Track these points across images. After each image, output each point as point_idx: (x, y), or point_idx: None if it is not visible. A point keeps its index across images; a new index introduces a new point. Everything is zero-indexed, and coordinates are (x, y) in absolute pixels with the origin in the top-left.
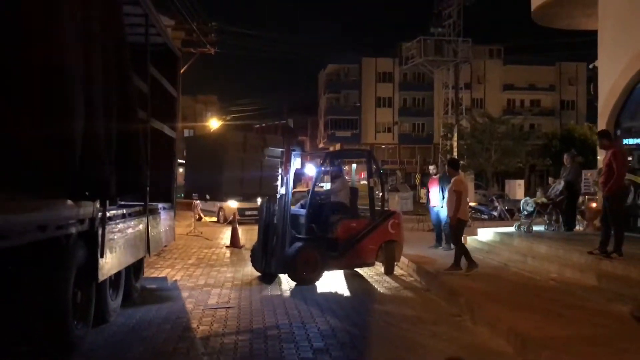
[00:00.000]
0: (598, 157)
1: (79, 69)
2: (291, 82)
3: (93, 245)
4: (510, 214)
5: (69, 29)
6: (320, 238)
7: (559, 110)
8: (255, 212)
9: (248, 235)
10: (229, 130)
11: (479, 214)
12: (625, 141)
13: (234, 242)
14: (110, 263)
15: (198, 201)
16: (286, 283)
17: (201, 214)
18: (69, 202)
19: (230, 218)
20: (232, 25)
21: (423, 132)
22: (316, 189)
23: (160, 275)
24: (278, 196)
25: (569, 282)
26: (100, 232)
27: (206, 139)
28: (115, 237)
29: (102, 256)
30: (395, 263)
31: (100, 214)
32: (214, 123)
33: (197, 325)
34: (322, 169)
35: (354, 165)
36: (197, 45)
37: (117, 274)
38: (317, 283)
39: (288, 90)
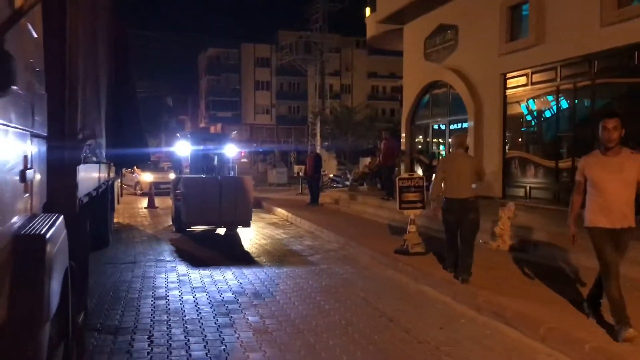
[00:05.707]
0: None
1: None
2: (171, 63)
3: (112, 191)
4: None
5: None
6: None
7: None
8: (168, 186)
9: (159, 201)
10: None
11: (335, 182)
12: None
13: (151, 204)
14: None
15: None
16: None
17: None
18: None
19: (146, 190)
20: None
21: (298, 114)
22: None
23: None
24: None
25: (369, 212)
26: (115, 183)
27: None
28: (113, 187)
29: (119, 196)
30: None
31: (115, 174)
32: None
33: (163, 237)
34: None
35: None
36: None
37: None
38: None
39: (168, 71)
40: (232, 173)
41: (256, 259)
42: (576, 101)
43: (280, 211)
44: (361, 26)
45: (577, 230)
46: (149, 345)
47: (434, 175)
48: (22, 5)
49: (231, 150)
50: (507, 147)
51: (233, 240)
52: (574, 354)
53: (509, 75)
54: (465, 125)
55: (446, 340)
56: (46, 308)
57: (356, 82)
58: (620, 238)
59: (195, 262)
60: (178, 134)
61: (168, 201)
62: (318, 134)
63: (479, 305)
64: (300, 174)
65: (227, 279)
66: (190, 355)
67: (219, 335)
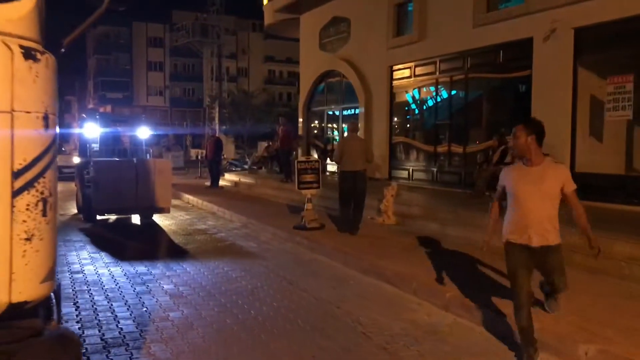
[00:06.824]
0: (299, 125)
1: None
2: None
3: None
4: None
5: None
6: None
7: None
8: (72, 170)
9: (60, 186)
10: None
11: (233, 166)
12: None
13: None
14: None
15: None
16: None
17: None
18: None
19: None
20: None
21: (193, 97)
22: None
23: None
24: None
25: (268, 194)
26: None
27: None
28: None
29: None
30: None
31: None
32: None
33: (67, 222)
34: None
35: None
36: None
37: None
38: None
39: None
40: (148, 156)
41: (163, 236)
42: (453, 92)
43: (181, 194)
44: (257, 9)
45: (491, 238)
46: (76, 309)
47: (333, 154)
48: None
49: (144, 132)
50: (393, 133)
51: (140, 224)
52: (437, 301)
53: (395, 67)
54: (357, 112)
55: (338, 296)
56: None
57: (253, 65)
58: (545, 259)
59: (104, 241)
60: (84, 115)
61: (70, 186)
62: (217, 118)
63: (365, 268)
64: (199, 157)
65: (137, 255)
66: (116, 315)
67: (139, 300)
